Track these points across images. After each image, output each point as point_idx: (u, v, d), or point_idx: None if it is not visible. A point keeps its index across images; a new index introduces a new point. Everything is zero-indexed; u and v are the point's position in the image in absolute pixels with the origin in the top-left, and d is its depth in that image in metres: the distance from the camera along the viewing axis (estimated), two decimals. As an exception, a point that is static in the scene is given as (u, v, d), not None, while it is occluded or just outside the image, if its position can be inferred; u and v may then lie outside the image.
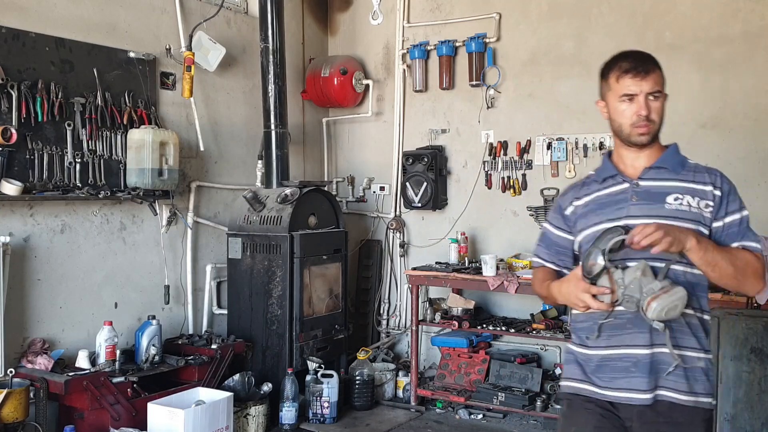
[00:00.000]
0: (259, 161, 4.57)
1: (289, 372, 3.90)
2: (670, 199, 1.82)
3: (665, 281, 1.70)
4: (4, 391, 2.95)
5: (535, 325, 4.17)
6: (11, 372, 3.11)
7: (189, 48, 4.12)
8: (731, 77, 4.03)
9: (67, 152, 3.56)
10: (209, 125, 4.45)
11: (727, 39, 4.03)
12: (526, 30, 4.60)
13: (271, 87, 4.32)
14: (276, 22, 4.31)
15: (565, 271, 1.96)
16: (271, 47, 4.30)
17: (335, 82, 5.00)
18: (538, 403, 4.01)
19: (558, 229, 1.99)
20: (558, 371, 4.32)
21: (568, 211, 1.96)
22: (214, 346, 3.86)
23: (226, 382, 3.78)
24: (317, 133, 5.40)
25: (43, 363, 3.31)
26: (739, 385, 2.84)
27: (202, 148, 4.32)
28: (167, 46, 4.15)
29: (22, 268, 3.44)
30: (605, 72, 1.95)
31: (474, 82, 4.71)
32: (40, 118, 3.43)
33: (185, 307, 4.29)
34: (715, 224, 1.83)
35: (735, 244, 1.82)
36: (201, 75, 4.29)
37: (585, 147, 4.39)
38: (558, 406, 3.95)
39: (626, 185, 1.87)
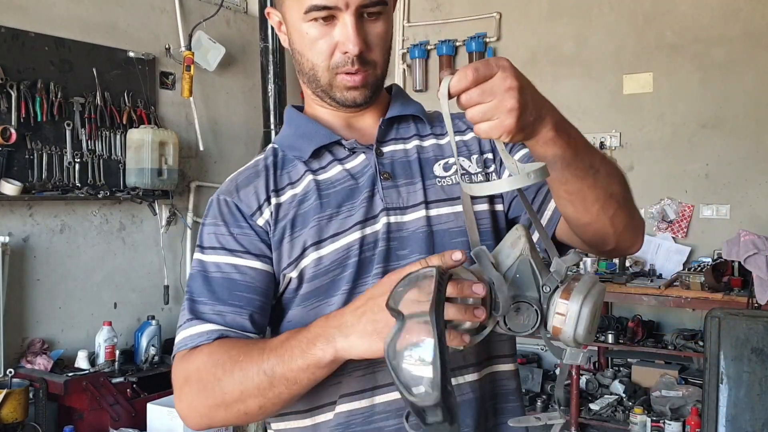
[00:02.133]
0: (259, 161, 4.56)
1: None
2: (437, 168, 1.06)
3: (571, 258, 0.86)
4: (4, 392, 2.94)
5: (535, 326, 4.17)
6: (11, 372, 3.10)
7: (188, 48, 4.12)
8: (732, 77, 4.02)
9: (66, 152, 3.55)
10: (209, 125, 4.44)
11: (727, 39, 4.03)
12: (526, 30, 4.60)
13: (270, 87, 4.31)
14: (276, 21, 4.30)
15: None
16: (270, 47, 4.28)
17: (335, 82, 4.99)
18: (539, 403, 4.00)
19: (239, 255, 1.00)
20: (558, 371, 4.32)
21: (261, 216, 1.01)
22: (213, 347, 3.85)
23: (225, 382, 3.77)
24: (317, 133, 5.38)
25: (42, 363, 3.30)
26: (739, 386, 2.84)
27: (201, 148, 4.31)
28: (167, 46, 4.14)
29: (22, 269, 3.43)
30: None
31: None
32: (39, 118, 3.42)
33: (185, 307, 4.28)
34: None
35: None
36: (200, 75, 4.28)
37: (585, 147, 4.38)
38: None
39: (361, 157, 1.05)
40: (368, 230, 1.00)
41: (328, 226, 1.00)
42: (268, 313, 1.02)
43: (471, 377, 1.02)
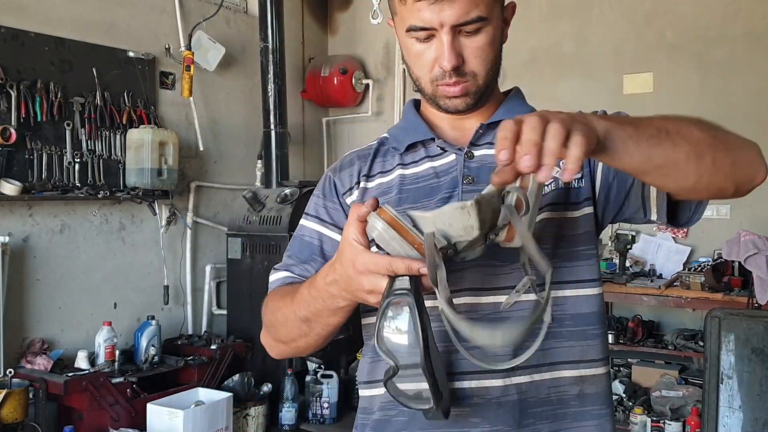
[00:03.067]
0: (259, 161, 4.56)
1: (289, 372, 3.89)
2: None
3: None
4: (4, 392, 2.94)
5: (535, 326, 4.17)
6: (10, 372, 3.10)
7: (188, 47, 4.11)
8: (732, 77, 4.02)
9: (66, 152, 3.55)
10: (209, 125, 4.44)
11: (728, 39, 4.02)
12: (526, 29, 4.59)
13: (270, 87, 4.31)
14: (276, 21, 4.30)
15: None
16: (270, 47, 4.29)
17: (335, 82, 4.99)
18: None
19: (328, 226, 1.13)
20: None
21: (351, 196, 1.13)
22: (213, 347, 3.85)
23: (225, 382, 3.77)
24: (317, 133, 5.39)
25: (42, 363, 3.30)
26: (740, 386, 2.83)
27: (201, 148, 4.31)
28: (167, 46, 4.14)
29: (21, 269, 3.43)
30: None
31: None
32: (39, 118, 3.42)
33: (184, 308, 4.28)
34: (599, 175, 1.07)
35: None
36: (200, 75, 4.28)
37: (585, 147, 4.37)
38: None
39: (451, 157, 1.09)
40: None
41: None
42: None
43: (519, 380, 1.02)
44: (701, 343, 3.64)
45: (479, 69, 1.04)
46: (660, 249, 4.17)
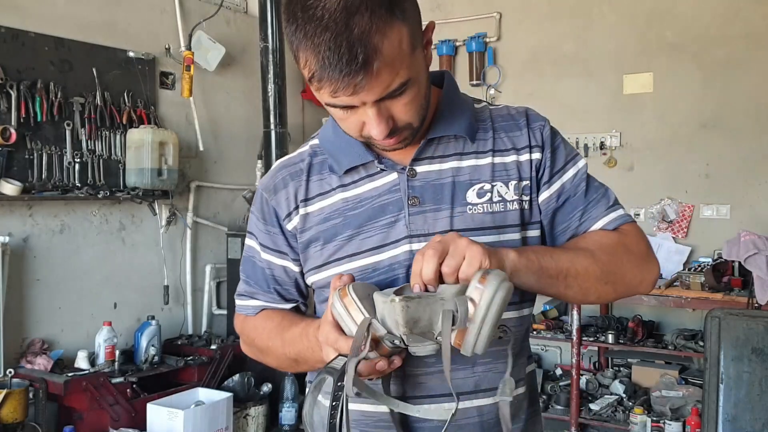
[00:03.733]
0: (259, 161, 4.56)
1: (289, 373, 3.89)
2: (471, 194, 1.05)
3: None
4: (4, 392, 2.94)
5: (535, 326, 4.17)
6: (10, 372, 3.10)
7: (188, 48, 4.11)
8: (732, 77, 4.02)
9: (66, 152, 3.55)
10: (209, 125, 4.44)
11: (728, 39, 4.02)
12: (526, 29, 4.59)
13: (270, 87, 4.30)
14: (276, 21, 4.29)
15: (302, 306, 1.17)
16: (270, 47, 4.28)
17: (335, 82, 4.98)
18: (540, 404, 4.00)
19: (274, 254, 1.14)
20: (558, 371, 4.32)
21: (291, 222, 1.11)
22: (213, 347, 3.85)
23: (225, 382, 3.77)
24: (317, 133, 5.38)
25: (42, 363, 3.30)
26: (739, 386, 2.83)
27: (201, 148, 4.31)
28: (166, 46, 4.14)
29: (21, 269, 3.43)
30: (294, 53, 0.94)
31: (474, 82, 4.70)
32: (39, 118, 3.42)
33: (185, 308, 4.28)
34: (542, 198, 1.08)
35: (578, 224, 1.09)
36: (200, 75, 4.28)
37: (586, 147, 4.38)
38: (559, 407, 3.94)
39: (393, 176, 1.06)
40: (385, 255, 1.03)
41: (347, 245, 1.05)
42: (294, 285, 1.16)
43: (479, 402, 1.05)
44: (701, 343, 3.64)
45: (413, 119, 0.98)
46: (660, 249, 4.17)
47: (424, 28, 0.98)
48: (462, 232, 0.98)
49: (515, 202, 1.05)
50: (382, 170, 1.06)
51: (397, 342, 0.89)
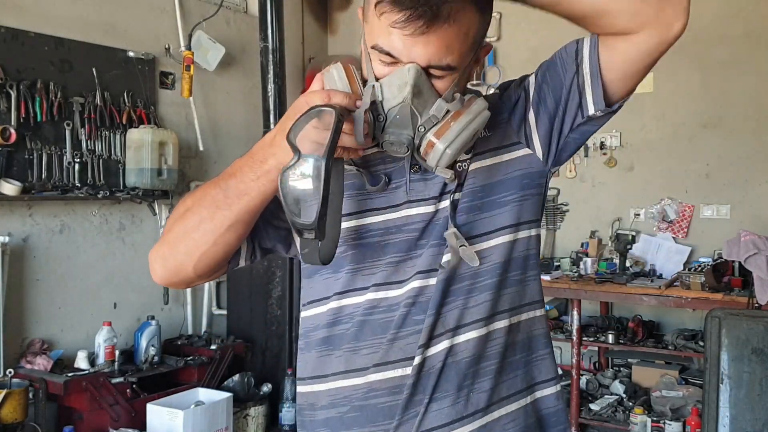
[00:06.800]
0: (259, 161, 4.56)
1: (289, 372, 3.89)
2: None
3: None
4: (3, 392, 2.94)
5: (535, 326, 4.17)
6: (10, 372, 3.10)
7: (188, 47, 4.11)
8: (732, 77, 4.02)
9: (66, 152, 3.55)
10: (209, 125, 4.44)
11: (728, 39, 4.02)
12: (526, 29, 4.59)
13: (270, 86, 4.30)
14: (276, 21, 4.29)
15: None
16: (270, 47, 4.28)
17: (335, 82, 4.98)
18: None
19: None
20: (559, 371, 4.32)
21: None
22: (213, 347, 3.85)
23: (225, 382, 3.77)
24: (317, 133, 5.38)
25: (42, 363, 3.30)
26: (740, 386, 2.83)
27: (201, 148, 4.31)
28: (166, 46, 4.14)
29: (21, 269, 3.43)
30: None
31: (474, 82, 4.70)
32: (39, 118, 3.42)
33: (184, 308, 4.28)
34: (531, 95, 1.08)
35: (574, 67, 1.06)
36: (200, 75, 4.28)
37: (586, 147, 4.37)
38: (558, 407, 3.94)
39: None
40: (381, 218, 1.06)
41: (349, 205, 1.05)
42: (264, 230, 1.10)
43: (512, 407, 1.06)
44: (701, 343, 3.64)
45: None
46: (660, 249, 4.17)
47: (484, 43, 1.02)
48: (465, 186, 1.04)
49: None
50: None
51: (381, 119, 0.95)
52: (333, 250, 0.99)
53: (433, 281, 1.02)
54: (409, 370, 1.01)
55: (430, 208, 1.04)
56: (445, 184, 1.04)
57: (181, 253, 1.02)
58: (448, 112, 0.95)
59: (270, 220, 1.09)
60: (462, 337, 1.03)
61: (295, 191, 0.89)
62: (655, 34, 0.98)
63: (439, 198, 1.04)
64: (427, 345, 1.01)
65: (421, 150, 0.96)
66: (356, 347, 1.04)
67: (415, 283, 1.03)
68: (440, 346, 1.02)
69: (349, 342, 1.04)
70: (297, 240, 1.00)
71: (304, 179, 0.88)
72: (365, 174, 1.06)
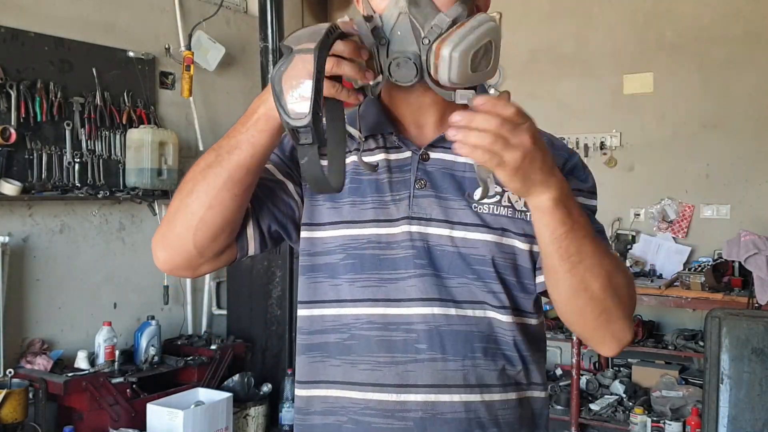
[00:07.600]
0: (259, 161, 4.56)
1: (289, 372, 3.89)
2: (477, 193, 0.98)
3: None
4: (3, 392, 2.94)
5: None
6: (10, 372, 3.10)
7: (188, 47, 4.11)
8: (732, 77, 4.02)
9: (66, 152, 3.55)
10: (209, 125, 4.44)
11: (728, 38, 4.02)
12: (526, 29, 4.59)
13: (270, 87, 4.30)
14: (276, 21, 4.29)
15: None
16: (270, 47, 4.28)
17: (335, 82, 4.98)
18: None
19: (277, 168, 1.09)
20: (559, 371, 4.32)
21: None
22: (213, 347, 3.85)
23: (225, 382, 3.77)
24: (317, 133, 5.38)
25: (42, 363, 3.30)
26: (740, 386, 2.83)
27: (201, 148, 4.31)
28: (166, 46, 4.14)
29: (21, 269, 3.43)
30: None
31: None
32: (39, 118, 3.42)
33: (184, 308, 4.28)
34: None
35: None
36: (200, 74, 4.28)
37: (586, 147, 4.38)
38: (559, 407, 3.94)
39: (407, 154, 1.06)
40: (383, 231, 1.03)
41: (347, 207, 1.04)
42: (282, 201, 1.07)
43: (467, 398, 1.03)
44: (701, 343, 3.64)
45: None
46: (660, 249, 4.17)
47: None
48: (463, 225, 1.02)
49: (523, 213, 1.03)
50: (399, 146, 1.06)
51: (383, 42, 0.92)
52: (340, 178, 0.95)
53: (438, 310, 1.01)
54: (403, 396, 1.00)
55: (445, 232, 1.03)
56: (456, 211, 1.02)
57: (179, 224, 1.01)
58: (452, 24, 0.91)
59: (276, 201, 1.06)
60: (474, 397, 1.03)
61: (286, 85, 0.84)
62: (606, 350, 1.03)
63: (452, 225, 1.02)
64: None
65: (430, 67, 0.90)
66: (354, 360, 1.03)
67: (420, 310, 1.01)
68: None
69: (347, 353, 1.03)
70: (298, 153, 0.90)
71: (295, 71, 0.83)
72: (368, 182, 1.05)
